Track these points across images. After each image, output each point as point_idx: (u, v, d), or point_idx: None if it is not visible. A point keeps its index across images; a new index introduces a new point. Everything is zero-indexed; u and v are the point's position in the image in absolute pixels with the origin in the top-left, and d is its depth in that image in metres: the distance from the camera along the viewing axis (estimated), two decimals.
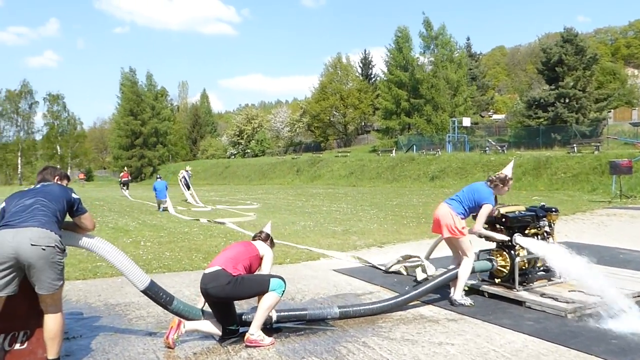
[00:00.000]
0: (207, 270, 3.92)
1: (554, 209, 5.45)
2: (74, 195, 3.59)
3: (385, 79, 49.12)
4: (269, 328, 4.18)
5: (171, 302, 3.92)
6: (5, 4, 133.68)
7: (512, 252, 5.09)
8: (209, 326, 4.00)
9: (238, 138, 66.19)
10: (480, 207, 4.95)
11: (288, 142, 64.32)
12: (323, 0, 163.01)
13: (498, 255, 5.23)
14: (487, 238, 5.18)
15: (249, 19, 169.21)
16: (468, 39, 59.56)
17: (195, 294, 5.21)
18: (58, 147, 66.99)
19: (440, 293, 5.23)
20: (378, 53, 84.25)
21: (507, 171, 5.20)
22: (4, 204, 3.45)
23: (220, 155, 66.12)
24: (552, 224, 5.44)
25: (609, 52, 64.81)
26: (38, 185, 3.64)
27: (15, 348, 3.38)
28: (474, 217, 5.04)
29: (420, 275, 5.90)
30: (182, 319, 3.93)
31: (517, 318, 4.47)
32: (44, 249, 3.15)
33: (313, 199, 21.15)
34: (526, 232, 5.22)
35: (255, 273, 4.07)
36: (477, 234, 5.03)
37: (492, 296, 5.14)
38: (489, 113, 54.87)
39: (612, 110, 41.03)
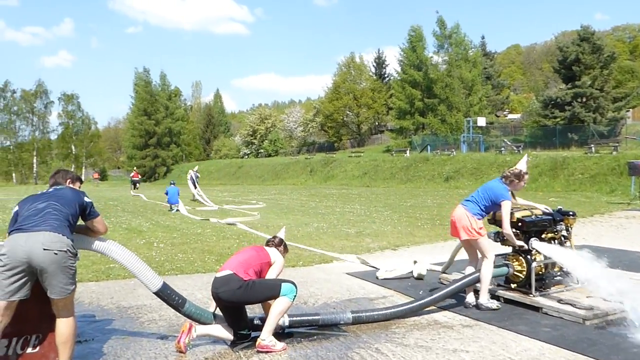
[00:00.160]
0: (219, 274, 3.91)
1: (571, 213, 5.33)
2: (86, 199, 3.59)
3: (399, 78, 48.74)
4: (280, 333, 4.14)
5: (183, 305, 3.91)
6: (20, 4, 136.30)
7: (529, 256, 4.99)
8: (221, 330, 3.97)
9: (251, 138, 66.45)
10: (497, 205, 4.86)
11: (301, 142, 64.41)
12: None
13: (514, 260, 5.13)
14: (505, 242, 5.06)
15: (262, 18, 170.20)
16: (483, 37, 59.44)
17: (207, 296, 5.18)
18: (73, 147, 67.86)
19: (456, 298, 5.15)
20: (392, 52, 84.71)
21: (522, 166, 5.12)
22: (17, 208, 3.46)
23: (233, 155, 66.29)
24: (570, 228, 5.32)
25: (627, 50, 63.63)
26: (50, 189, 3.65)
27: (27, 352, 3.39)
28: (493, 219, 4.93)
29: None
30: (193, 323, 3.92)
31: (534, 324, 4.38)
32: (56, 254, 3.15)
33: (326, 199, 21.09)
34: (543, 236, 5.11)
35: (265, 278, 4.04)
36: (507, 234, 4.87)
37: (508, 301, 5.04)
38: (504, 112, 54.37)
39: (630, 109, 40.34)
